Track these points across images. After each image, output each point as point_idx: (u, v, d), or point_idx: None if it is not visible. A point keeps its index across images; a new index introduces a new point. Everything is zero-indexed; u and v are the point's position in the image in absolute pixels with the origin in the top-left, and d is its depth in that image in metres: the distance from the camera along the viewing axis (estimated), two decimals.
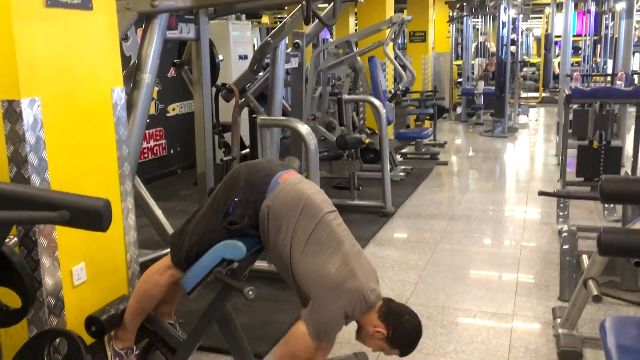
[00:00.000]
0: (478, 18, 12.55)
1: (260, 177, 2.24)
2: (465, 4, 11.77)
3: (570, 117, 5.14)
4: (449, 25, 12.70)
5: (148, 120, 3.58)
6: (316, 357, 2.21)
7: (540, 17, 17.55)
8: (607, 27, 8.06)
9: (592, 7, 8.09)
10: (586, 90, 5.31)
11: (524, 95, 14.18)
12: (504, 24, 9.69)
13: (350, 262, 2.15)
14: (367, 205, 5.33)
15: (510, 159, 8.18)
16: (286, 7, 8.10)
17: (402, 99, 7.87)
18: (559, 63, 10.99)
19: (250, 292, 2.10)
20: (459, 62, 13.22)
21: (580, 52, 11.94)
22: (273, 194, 2.20)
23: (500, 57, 9.66)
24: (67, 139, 2.24)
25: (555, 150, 7.80)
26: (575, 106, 5.13)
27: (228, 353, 2.51)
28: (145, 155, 6.60)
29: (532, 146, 9.16)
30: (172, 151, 7.07)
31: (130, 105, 3.14)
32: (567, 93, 4.95)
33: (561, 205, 4.61)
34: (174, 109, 7.09)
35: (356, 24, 10.04)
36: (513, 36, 10.70)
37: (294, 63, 4.65)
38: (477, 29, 14.28)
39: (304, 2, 3.09)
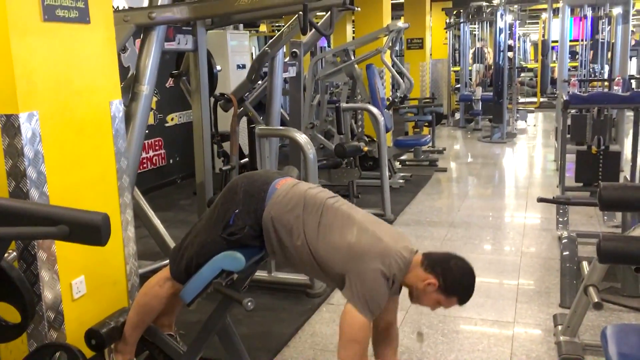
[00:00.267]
0: (475, 24, 12.58)
1: (258, 185, 2.25)
2: (462, 10, 11.80)
3: (569, 122, 5.15)
4: (446, 32, 12.74)
5: (147, 131, 3.58)
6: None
7: (537, 23, 17.61)
8: (600, 32, 8.08)
9: (589, 13, 8.10)
10: (584, 95, 5.31)
11: (522, 100, 14.19)
12: (500, 30, 9.71)
13: (370, 228, 2.13)
14: None
15: (509, 165, 8.18)
16: (283, 17, 8.13)
17: (400, 106, 7.89)
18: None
19: (249, 303, 2.09)
20: (457, 68, 13.25)
21: (577, 56, 11.96)
22: (272, 200, 2.20)
23: (497, 63, 9.68)
24: (66, 153, 2.24)
25: (554, 155, 7.81)
26: (573, 111, 5.13)
27: None
28: (145, 165, 6.59)
29: (531, 152, 9.17)
30: (171, 161, 7.07)
31: (128, 117, 3.15)
32: (564, 99, 4.96)
33: (561, 211, 4.61)
34: (172, 119, 7.09)
35: (353, 32, 10.08)
36: (510, 42, 10.70)
37: (292, 72, 4.66)
38: (475, 35, 14.32)
39: (300, 12, 3.10)
